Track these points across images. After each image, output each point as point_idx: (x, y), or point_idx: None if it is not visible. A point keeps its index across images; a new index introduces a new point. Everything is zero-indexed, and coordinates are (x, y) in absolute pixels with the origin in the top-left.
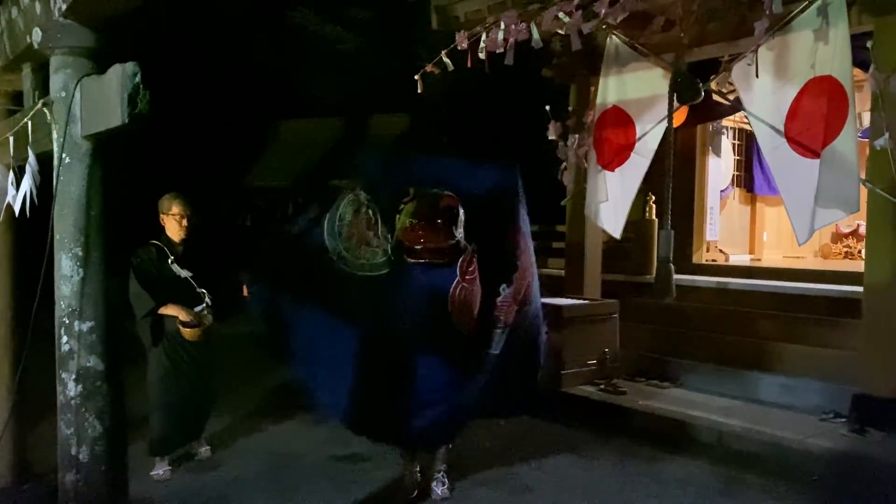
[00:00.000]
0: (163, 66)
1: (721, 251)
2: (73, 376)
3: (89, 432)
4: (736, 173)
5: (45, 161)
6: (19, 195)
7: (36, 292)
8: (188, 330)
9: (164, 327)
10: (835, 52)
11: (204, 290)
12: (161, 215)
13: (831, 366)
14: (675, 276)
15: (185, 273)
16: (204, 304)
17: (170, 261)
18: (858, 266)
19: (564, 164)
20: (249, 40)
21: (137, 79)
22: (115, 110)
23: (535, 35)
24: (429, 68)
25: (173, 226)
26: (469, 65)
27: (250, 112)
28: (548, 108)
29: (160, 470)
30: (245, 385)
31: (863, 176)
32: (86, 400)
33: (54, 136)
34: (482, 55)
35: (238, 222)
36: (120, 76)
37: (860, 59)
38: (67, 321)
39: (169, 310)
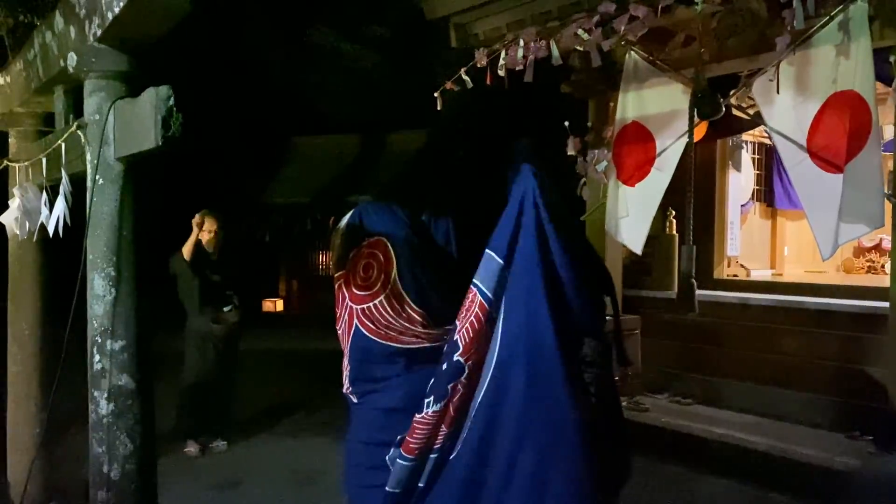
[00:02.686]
0: (189, 86)
1: (742, 266)
2: (105, 395)
3: (121, 450)
4: (756, 188)
5: (77, 182)
6: (53, 216)
7: (65, 311)
8: (216, 326)
9: (194, 325)
10: (857, 67)
11: (231, 292)
12: (195, 228)
13: (856, 383)
14: (697, 292)
15: (216, 277)
16: (231, 305)
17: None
18: (881, 281)
19: (584, 179)
20: (269, 59)
21: (171, 102)
22: (149, 133)
23: (555, 52)
24: (448, 86)
25: (205, 238)
26: (489, 82)
27: (270, 129)
28: (566, 123)
29: (192, 448)
30: (267, 402)
31: (887, 190)
32: (117, 418)
33: (88, 158)
34: (501, 72)
35: (257, 238)
36: (153, 99)
37: (882, 74)
38: (100, 340)
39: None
